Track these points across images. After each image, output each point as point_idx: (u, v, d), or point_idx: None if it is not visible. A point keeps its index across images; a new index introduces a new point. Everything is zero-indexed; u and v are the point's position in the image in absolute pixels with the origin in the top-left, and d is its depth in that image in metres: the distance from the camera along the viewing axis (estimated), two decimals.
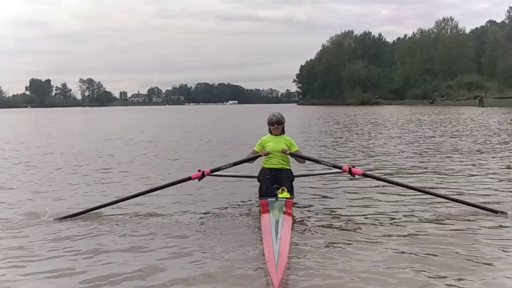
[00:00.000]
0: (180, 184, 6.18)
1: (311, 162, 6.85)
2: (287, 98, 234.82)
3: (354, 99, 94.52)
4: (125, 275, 3.86)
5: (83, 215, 5.82)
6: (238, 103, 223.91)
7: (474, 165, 9.61)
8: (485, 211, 5.58)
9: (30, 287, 3.73)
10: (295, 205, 5.94)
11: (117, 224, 5.42)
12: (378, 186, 7.07)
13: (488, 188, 7.21)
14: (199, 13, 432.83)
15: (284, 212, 5.12)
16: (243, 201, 6.60)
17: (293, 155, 6.46)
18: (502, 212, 5.55)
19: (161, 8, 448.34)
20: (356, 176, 6.03)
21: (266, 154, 6.42)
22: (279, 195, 5.70)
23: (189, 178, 6.07)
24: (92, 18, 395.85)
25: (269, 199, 5.61)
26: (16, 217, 5.76)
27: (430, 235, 4.78)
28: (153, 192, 6.18)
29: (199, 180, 6.10)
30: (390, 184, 6.39)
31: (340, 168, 6.14)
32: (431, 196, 6.05)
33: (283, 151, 6.39)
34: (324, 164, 6.41)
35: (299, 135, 17.56)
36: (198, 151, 13.51)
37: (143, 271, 3.94)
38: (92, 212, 5.86)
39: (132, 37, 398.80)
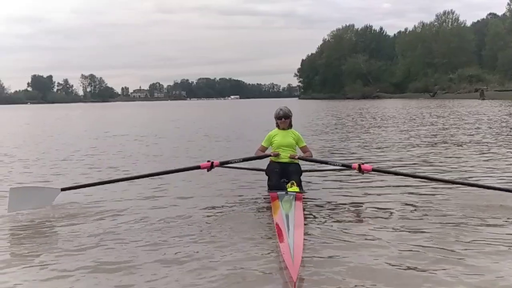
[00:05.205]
0: (187, 178, 6.23)
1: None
2: (289, 92, 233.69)
3: (355, 93, 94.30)
4: (132, 271, 3.86)
5: (88, 188, 6.16)
6: (240, 98, 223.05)
7: (484, 155, 9.72)
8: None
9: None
10: (304, 199, 5.97)
11: (123, 219, 5.41)
12: (387, 180, 7.08)
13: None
14: (199, 7, 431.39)
15: (295, 206, 5.15)
16: (251, 194, 6.63)
17: (301, 159, 6.53)
18: None
19: (160, 3, 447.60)
20: (366, 172, 6.09)
21: (276, 155, 6.47)
22: (289, 189, 5.74)
23: (198, 167, 6.18)
24: (91, 14, 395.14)
25: (279, 192, 5.66)
26: None
27: (443, 228, 4.82)
28: (160, 184, 6.24)
29: (208, 170, 6.19)
30: (401, 177, 6.49)
31: (349, 166, 6.19)
32: (445, 188, 6.13)
33: (291, 157, 6.45)
34: (334, 165, 6.48)
35: (302, 130, 17.43)
36: (211, 146, 13.61)
37: (152, 268, 3.92)
38: (96, 187, 6.15)
39: (131, 33, 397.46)
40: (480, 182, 6.54)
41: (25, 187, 5.95)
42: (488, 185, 5.87)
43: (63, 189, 5.83)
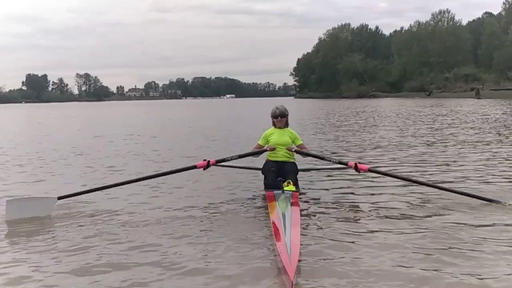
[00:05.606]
0: (183, 178, 6.14)
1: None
2: (285, 91, 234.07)
3: (351, 92, 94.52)
4: (128, 272, 3.84)
5: (83, 195, 6.03)
6: (236, 97, 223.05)
7: (479, 155, 9.72)
8: (483, 201, 5.64)
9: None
10: (300, 198, 5.95)
11: (119, 219, 5.39)
12: (385, 179, 7.05)
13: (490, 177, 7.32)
14: (195, 6, 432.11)
15: (292, 205, 5.14)
16: (247, 194, 6.61)
17: (298, 152, 6.49)
18: (498, 202, 5.61)
19: (157, 1, 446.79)
20: (362, 172, 6.03)
21: (272, 149, 6.43)
22: (285, 188, 5.70)
23: (194, 167, 6.11)
24: (88, 13, 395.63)
25: (275, 191, 5.64)
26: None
27: (440, 228, 4.79)
28: (157, 184, 6.16)
29: (204, 169, 6.14)
30: (396, 179, 6.48)
31: (346, 164, 6.14)
32: (437, 189, 6.11)
33: (288, 149, 6.42)
34: (330, 161, 6.44)
35: (298, 129, 17.45)
36: (207, 145, 13.58)
37: (148, 268, 3.89)
38: (91, 193, 6.02)
39: (128, 32, 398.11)
40: (475, 187, 6.52)
41: (22, 198, 5.86)
42: (480, 196, 5.82)
43: (59, 198, 5.76)
